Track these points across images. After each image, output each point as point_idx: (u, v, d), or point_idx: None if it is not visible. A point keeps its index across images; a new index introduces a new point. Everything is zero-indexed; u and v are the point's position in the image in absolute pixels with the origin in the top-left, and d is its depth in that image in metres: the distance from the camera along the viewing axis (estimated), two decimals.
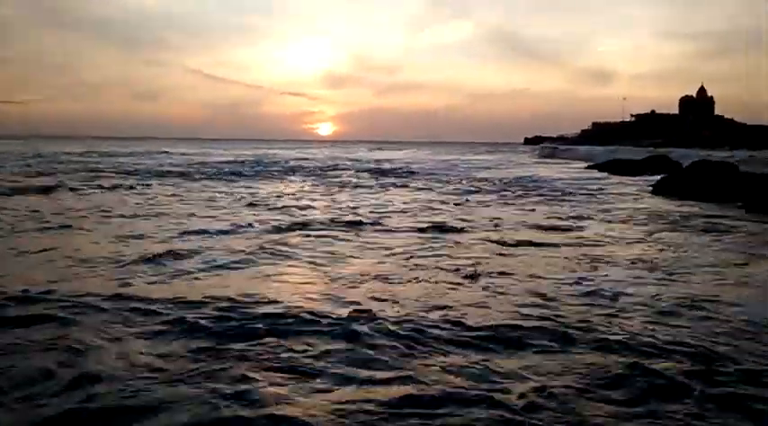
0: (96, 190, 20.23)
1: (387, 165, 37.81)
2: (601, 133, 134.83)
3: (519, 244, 10.28)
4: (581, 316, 6.07)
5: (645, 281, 7.54)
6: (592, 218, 13.66)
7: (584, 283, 7.35)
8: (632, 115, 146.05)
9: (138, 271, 7.90)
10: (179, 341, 5.33)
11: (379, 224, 12.70)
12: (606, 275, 7.91)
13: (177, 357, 4.89)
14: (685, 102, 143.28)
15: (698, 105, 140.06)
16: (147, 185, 22.42)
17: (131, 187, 21.72)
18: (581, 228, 12.18)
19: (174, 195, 18.77)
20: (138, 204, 16.34)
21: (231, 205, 15.95)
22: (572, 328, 5.71)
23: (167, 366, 4.75)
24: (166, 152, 57.09)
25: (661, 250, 9.67)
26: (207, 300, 6.51)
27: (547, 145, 61.66)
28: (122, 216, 13.67)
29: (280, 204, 16.64)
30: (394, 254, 9.24)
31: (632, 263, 8.56)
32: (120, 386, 4.34)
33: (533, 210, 15.24)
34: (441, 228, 11.89)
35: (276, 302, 6.48)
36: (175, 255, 8.91)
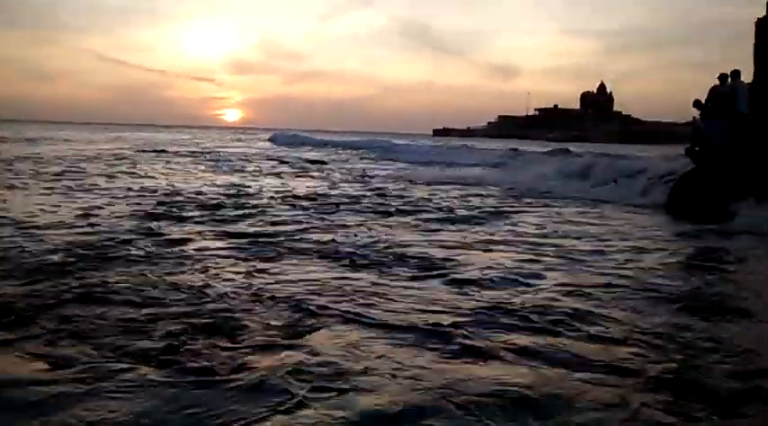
0: None
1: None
2: (507, 126, 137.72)
3: None
4: None
5: None
6: None
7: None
8: (536, 109, 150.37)
9: None
10: None
11: None
12: None
13: None
14: (586, 97, 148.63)
15: (598, 101, 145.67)
16: None
17: None
18: None
19: None
20: None
21: None
22: None
23: None
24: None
25: None
26: None
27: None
28: None
29: None
30: None
31: None
32: None
33: None
34: None
35: None
36: None
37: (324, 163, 23.89)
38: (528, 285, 4.86)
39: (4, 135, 39.38)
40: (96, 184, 11.88)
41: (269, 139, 53.81)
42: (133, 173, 15.21)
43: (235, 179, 14.83)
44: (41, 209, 8.11)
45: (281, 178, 15.77)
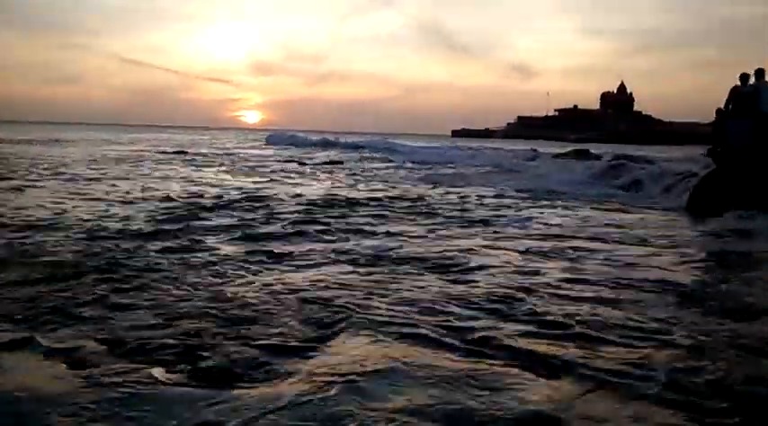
0: None
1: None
2: (526, 126, 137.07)
3: None
4: None
5: None
6: None
7: None
8: (556, 109, 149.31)
9: None
10: None
11: None
12: None
13: None
14: (606, 97, 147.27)
15: (618, 101, 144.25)
16: None
17: None
18: None
19: None
20: None
21: None
22: None
23: None
24: None
25: None
26: None
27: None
28: None
29: None
30: None
31: None
32: None
33: None
34: None
35: None
36: None
37: (340, 163, 24.00)
38: (539, 277, 4.87)
39: (24, 137, 40.15)
40: (117, 186, 12.04)
41: (266, 139, 50.74)
42: (154, 175, 15.38)
43: (254, 180, 14.94)
44: (62, 210, 8.23)
45: (299, 179, 15.86)
